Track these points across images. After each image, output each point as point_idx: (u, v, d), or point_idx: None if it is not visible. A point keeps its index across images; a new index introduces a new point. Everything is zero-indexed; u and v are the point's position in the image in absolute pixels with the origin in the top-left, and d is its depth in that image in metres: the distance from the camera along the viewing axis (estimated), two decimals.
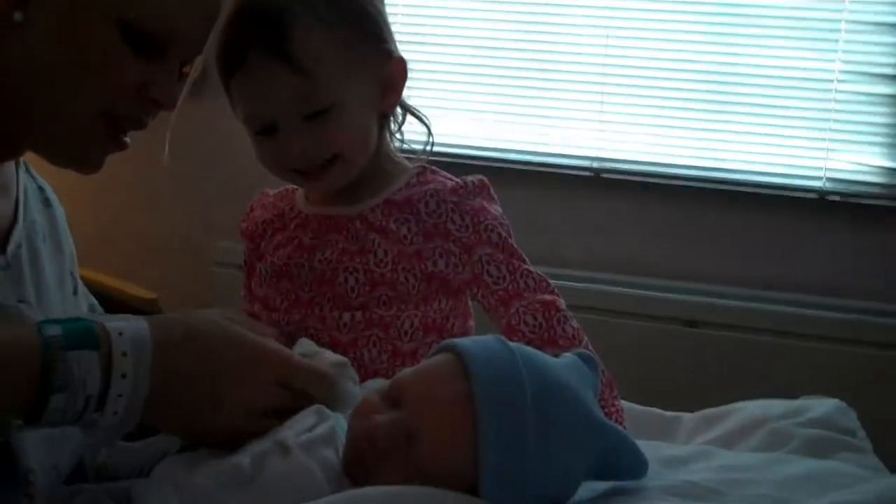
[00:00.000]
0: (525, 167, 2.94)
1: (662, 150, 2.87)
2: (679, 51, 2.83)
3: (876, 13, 2.69)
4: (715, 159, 2.84)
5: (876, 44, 2.70)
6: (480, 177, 1.32)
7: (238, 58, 1.20)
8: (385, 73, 1.28)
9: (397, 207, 1.29)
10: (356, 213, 1.30)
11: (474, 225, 1.28)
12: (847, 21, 2.70)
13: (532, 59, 2.95)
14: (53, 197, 1.27)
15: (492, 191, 1.33)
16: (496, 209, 1.32)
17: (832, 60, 2.72)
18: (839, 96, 2.72)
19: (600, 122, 2.90)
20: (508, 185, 2.91)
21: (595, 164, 2.90)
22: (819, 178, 2.76)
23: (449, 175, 1.33)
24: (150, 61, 1.06)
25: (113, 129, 1.09)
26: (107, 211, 3.02)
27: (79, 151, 1.10)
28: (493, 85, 2.97)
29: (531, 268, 1.29)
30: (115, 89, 1.05)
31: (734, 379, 2.67)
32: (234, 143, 2.61)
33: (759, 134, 2.80)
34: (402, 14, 2.99)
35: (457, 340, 0.91)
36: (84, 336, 0.89)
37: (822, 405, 1.32)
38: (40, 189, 1.25)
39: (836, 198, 2.75)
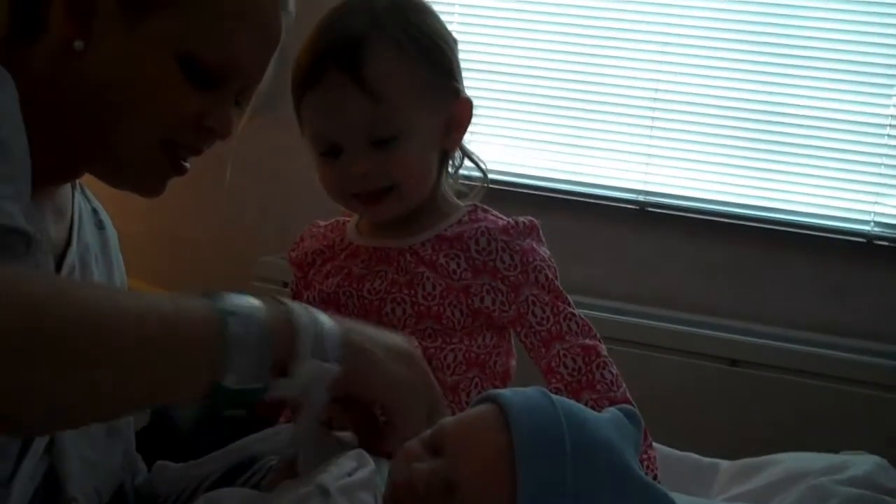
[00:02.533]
0: (571, 197, 2.94)
1: (710, 185, 2.87)
2: (731, 88, 2.83)
3: None
4: (763, 198, 2.83)
5: None
6: (531, 218, 1.34)
7: (314, 77, 1.24)
8: (452, 110, 1.31)
9: (448, 243, 1.30)
10: (407, 245, 1.31)
11: (523, 265, 1.29)
12: None
13: (582, 90, 2.96)
14: (107, 220, 1.29)
15: (541, 233, 1.34)
16: (544, 251, 1.33)
17: (887, 105, 2.71)
18: (891, 141, 2.70)
19: (648, 155, 2.90)
20: (553, 215, 2.94)
21: (641, 198, 2.90)
22: (868, 222, 2.74)
23: (500, 214, 1.34)
24: (207, 91, 1.08)
25: (173, 156, 1.11)
26: (154, 218, 3.05)
27: (139, 177, 1.12)
28: (541, 114, 2.99)
29: (576, 311, 1.30)
30: (172, 119, 1.07)
31: (774, 420, 2.65)
32: (285, 159, 2.67)
33: (809, 175, 2.79)
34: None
35: (500, 391, 0.91)
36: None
37: (863, 462, 1.31)
38: (94, 212, 1.27)
39: (884, 242, 2.73)
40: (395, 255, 1.31)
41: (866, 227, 2.74)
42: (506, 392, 0.90)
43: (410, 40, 1.26)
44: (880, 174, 2.73)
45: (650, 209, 2.90)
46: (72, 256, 1.16)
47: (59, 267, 1.14)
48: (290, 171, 2.77)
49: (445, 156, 1.36)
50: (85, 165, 1.14)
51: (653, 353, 2.73)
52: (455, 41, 1.32)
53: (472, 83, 2.96)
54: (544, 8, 2.99)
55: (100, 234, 1.26)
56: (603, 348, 1.29)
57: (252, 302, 0.89)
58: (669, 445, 1.75)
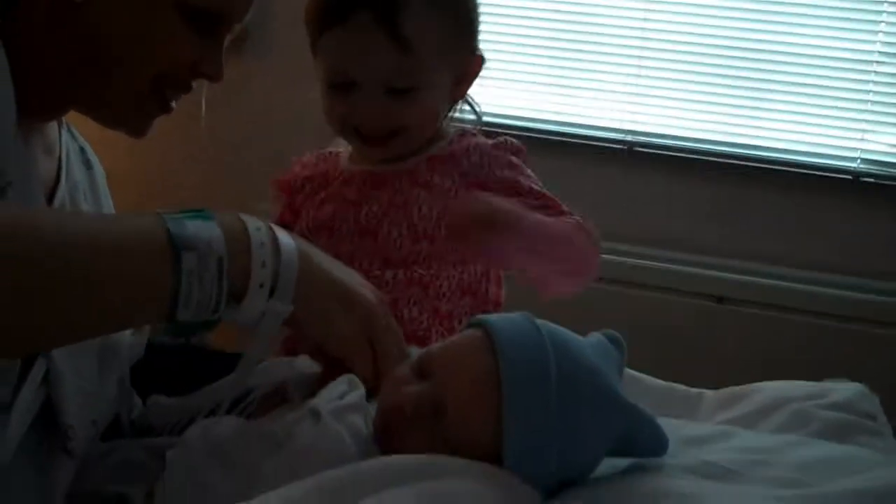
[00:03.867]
0: (557, 138, 2.94)
1: (697, 125, 2.88)
2: (717, 27, 2.83)
3: None
4: (749, 136, 2.84)
5: None
6: (518, 142, 1.37)
7: (342, 14, 1.24)
8: (467, 66, 1.33)
9: (440, 162, 1.33)
10: (402, 169, 1.33)
11: (513, 178, 1.32)
12: (888, 2, 2.69)
13: (567, 30, 2.95)
14: (94, 158, 1.30)
15: (525, 157, 1.37)
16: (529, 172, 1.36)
17: (872, 42, 2.71)
18: (878, 78, 2.71)
19: (635, 94, 2.90)
20: (539, 155, 2.90)
21: (628, 138, 2.91)
22: (854, 159, 2.75)
23: (487, 139, 1.37)
24: (202, 37, 1.10)
25: (161, 95, 1.12)
26: (144, 167, 3.05)
27: (129, 116, 1.14)
28: (526, 54, 2.98)
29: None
30: (170, 63, 1.09)
31: (760, 356, 2.70)
32: (275, 104, 2.66)
33: (796, 112, 2.80)
34: None
35: (486, 316, 0.93)
36: (200, 215, 0.93)
37: (844, 389, 1.33)
38: (81, 150, 1.28)
39: (871, 179, 2.75)
40: (391, 178, 1.33)
41: (853, 164, 2.75)
42: (492, 317, 0.92)
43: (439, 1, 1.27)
44: (866, 111, 2.74)
45: (637, 149, 2.90)
46: (61, 192, 1.17)
47: (49, 202, 1.15)
48: (281, 117, 2.78)
49: (452, 103, 1.38)
50: (74, 103, 1.15)
51: (640, 292, 2.77)
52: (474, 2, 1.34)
53: None
54: None
55: (88, 172, 1.28)
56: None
57: (212, 231, 0.91)
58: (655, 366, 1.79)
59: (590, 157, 2.93)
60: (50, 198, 1.16)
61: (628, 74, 2.90)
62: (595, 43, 2.93)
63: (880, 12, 2.70)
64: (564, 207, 1.31)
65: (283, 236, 0.98)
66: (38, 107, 1.09)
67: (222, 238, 0.91)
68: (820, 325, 2.69)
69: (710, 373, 2.70)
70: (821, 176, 2.78)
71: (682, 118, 2.89)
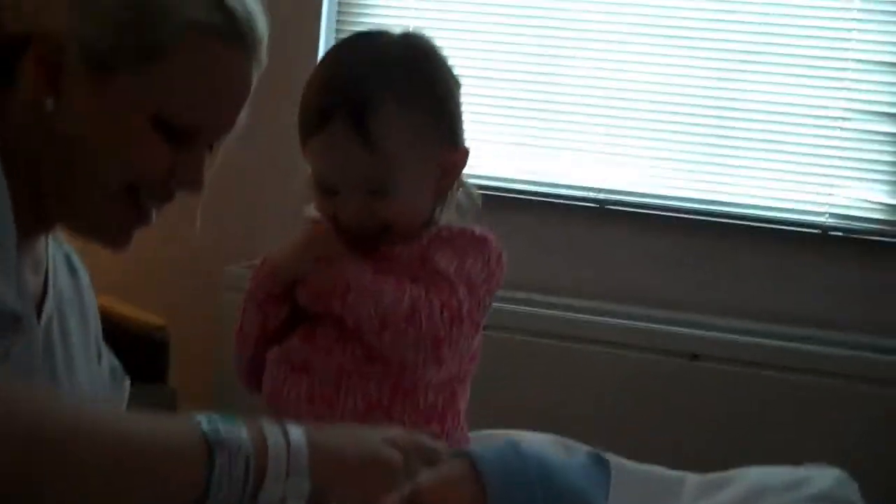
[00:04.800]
0: (529, 196, 2.96)
1: (667, 181, 2.91)
2: (686, 85, 2.87)
3: (882, 53, 2.73)
4: (720, 192, 2.87)
5: (882, 83, 2.73)
6: (491, 238, 1.33)
7: (319, 123, 1.26)
8: (448, 159, 1.33)
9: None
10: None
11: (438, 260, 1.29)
12: (854, 60, 2.74)
13: (537, 90, 2.99)
14: (78, 263, 1.30)
15: (490, 249, 1.33)
16: (479, 268, 1.31)
17: (838, 98, 2.75)
18: (844, 133, 2.76)
19: (606, 153, 2.93)
20: (512, 214, 2.97)
21: (600, 196, 2.93)
22: (822, 214, 2.79)
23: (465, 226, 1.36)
24: (179, 146, 1.10)
25: (139, 205, 1.13)
26: None
27: (105, 226, 1.14)
28: (497, 115, 3.01)
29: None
30: (143, 172, 1.10)
31: (734, 412, 2.71)
32: (245, 168, 2.66)
33: (765, 168, 2.84)
34: None
35: (470, 448, 0.94)
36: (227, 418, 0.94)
37: (823, 476, 1.35)
38: (67, 256, 1.28)
39: (839, 233, 2.78)
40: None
41: (821, 219, 2.78)
42: (477, 449, 0.93)
43: (417, 97, 1.29)
44: (834, 165, 2.78)
45: (609, 206, 2.93)
46: (49, 306, 1.18)
47: (37, 317, 1.15)
48: (253, 179, 2.78)
49: (440, 195, 1.37)
50: (58, 218, 1.16)
51: (613, 350, 2.77)
52: (459, 85, 1.35)
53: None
54: (500, 8, 3.00)
55: (73, 279, 1.28)
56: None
57: (240, 433, 0.93)
58: (633, 442, 1.77)
59: (562, 214, 2.96)
60: (38, 311, 1.16)
61: (599, 133, 2.93)
62: (566, 103, 2.96)
63: (846, 69, 2.75)
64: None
65: (293, 430, 0.99)
66: (25, 222, 1.09)
67: (247, 437, 0.93)
68: (792, 379, 2.70)
69: (685, 430, 2.73)
70: (790, 231, 2.81)
71: (653, 175, 2.92)
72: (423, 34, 1.36)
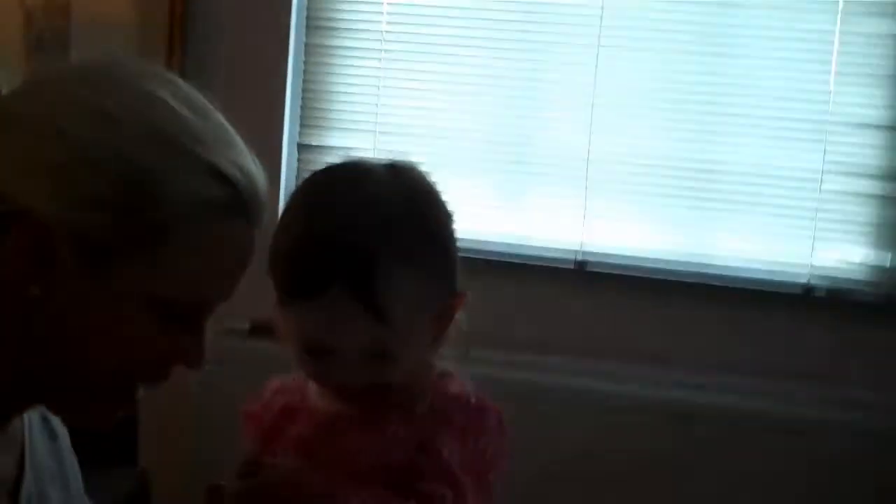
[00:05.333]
0: (508, 259, 2.91)
1: (647, 243, 2.87)
2: (664, 145, 2.83)
3: (860, 114, 2.71)
4: (700, 254, 2.84)
5: (860, 144, 2.72)
6: (489, 403, 1.25)
7: (315, 289, 1.15)
8: (449, 307, 1.25)
9: (403, 410, 1.24)
10: (364, 413, 1.25)
11: (438, 445, 1.20)
12: (831, 122, 2.72)
13: (513, 152, 2.94)
14: (56, 423, 1.22)
15: (490, 420, 1.24)
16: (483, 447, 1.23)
17: (817, 159, 2.73)
18: (824, 195, 2.73)
19: (584, 215, 2.89)
20: (490, 278, 2.89)
21: (579, 258, 2.88)
22: (804, 275, 2.76)
23: (464, 382, 1.27)
24: (180, 326, 1.02)
25: (131, 390, 1.05)
26: None
27: (92, 416, 1.06)
28: (471, 177, 2.94)
29: None
30: (142, 363, 1.02)
31: (724, 471, 2.68)
32: None
33: (745, 229, 2.81)
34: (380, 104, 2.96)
35: None
36: None
37: None
38: (44, 419, 1.20)
39: (822, 293, 2.76)
40: (348, 425, 1.25)
41: (804, 280, 2.76)
42: None
43: (423, 253, 1.19)
44: (815, 227, 2.75)
45: (589, 268, 2.88)
46: (28, 486, 1.10)
47: (14, 498, 1.08)
48: None
49: (436, 340, 1.28)
50: (41, 402, 1.09)
51: (596, 414, 2.73)
52: (452, 218, 1.25)
53: (393, 145, 2.93)
54: (468, 67, 2.93)
55: (52, 444, 1.20)
56: None
57: None
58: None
59: (541, 277, 2.90)
60: (15, 494, 1.09)
61: (576, 194, 2.88)
62: (541, 164, 2.92)
63: (824, 130, 2.73)
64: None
65: None
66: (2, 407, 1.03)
67: None
68: (779, 439, 2.68)
69: (677, 491, 2.69)
70: (772, 292, 2.78)
71: (631, 236, 2.88)
72: (411, 165, 1.26)
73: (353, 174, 1.24)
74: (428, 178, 1.26)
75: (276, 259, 1.20)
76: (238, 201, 1.00)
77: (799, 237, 2.77)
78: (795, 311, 2.78)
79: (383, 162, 1.25)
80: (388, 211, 1.18)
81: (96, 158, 0.95)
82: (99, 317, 0.98)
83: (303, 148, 3.03)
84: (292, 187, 2.87)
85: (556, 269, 2.89)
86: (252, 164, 1.03)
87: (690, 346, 2.81)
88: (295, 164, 3.02)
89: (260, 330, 2.75)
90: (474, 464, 1.20)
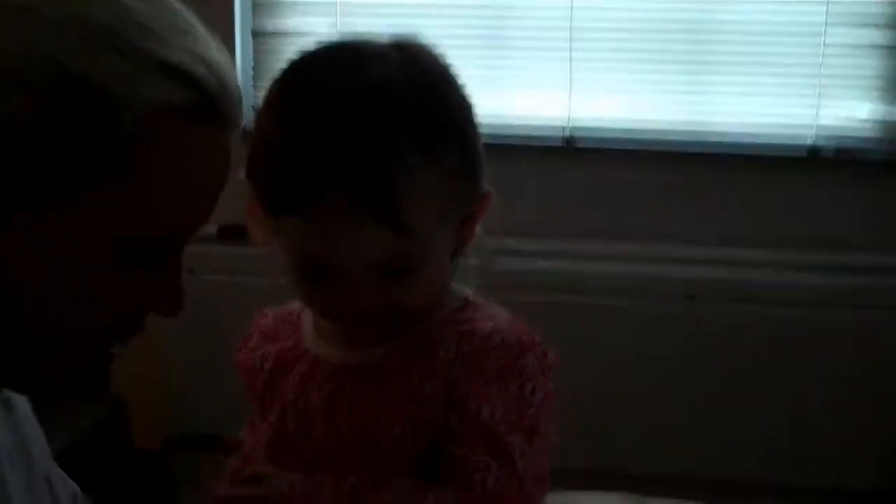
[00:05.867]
0: (493, 141, 2.69)
1: (640, 112, 2.67)
2: (653, 5, 2.62)
3: None
4: (697, 120, 2.65)
5: None
6: (532, 337, 1.05)
7: (317, 198, 0.94)
8: (471, 211, 1.05)
9: (420, 355, 1.03)
10: (375, 360, 1.06)
11: (475, 406, 1.00)
12: None
13: (491, 24, 2.71)
14: (9, 392, 1.03)
15: (530, 359, 1.03)
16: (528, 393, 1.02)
17: (819, 11, 2.52)
18: (828, 49, 2.54)
19: (570, 88, 2.67)
20: None
21: (567, 133, 2.68)
22: (809, 135, 2.59)
23: (494, 312, 1.08)
24: (152, 266, 0.83)
25: (104, 347, 0.87)
26: None
27: (60, 386, 0.88)
28: (446, 57, 2.70)
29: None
30: (112, 317, 0.83)
31: (731, 351, 2.55)
32: None
33: (744, 89, 2.62)
34: None
35: None
36: None
37: None
38: None
39: (829, 154, 2.59)
40: (357, 376, 1.05)
41: (809, 141, 2.59)
42: None
43: (445, 148, 0.97)
44: (819, 83, 2.56)
45: (578, 144, 2.69)
46: None
47: None
48: None
49: (456, 251, 1.09)
50: None
51: (598, 299, 2.57)
52: (471, 107, 1.04)
53: (358, 26, 2.66)
54: None
55: (8, 418, 1.01)
56: None
57: None
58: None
59: (529, 156, 2.70)
60: None
61: (560, 64, 2.65)
62: (523, 38, 2.69)
63: None
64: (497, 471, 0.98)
65: None
66: None
67: None
68: (784, 313, 2.54)
69: (682, 378, 2.56)
70: (775, 156, 2.61)
71: (622, 106, 2.69)
72: (420, 43, 1.04)
73: (352, 55, 1.01)
74: (442, 59, 1.05)
75: (260, 165, 0.99)
76: (205, 102, 0.79)
77: (802, 96, 2.58)
78: (801, 175, 2.61)
79: (386, 40, 1.03)
80: (400, 99, 0.96)
81: (13, 68, 0.74)
82: (52, 270, 0.78)
83: (257, 35, 2.77)
84: (250, 81, 2.71)
85: (544, 147, 2.69)
86: (217, 54, 0.82)
87: (691, 220, 2.64)
88: (250, 54, 2.76)
89: (230, 233, 2.56)
90: (521, 416, 1.00)
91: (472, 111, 1.04)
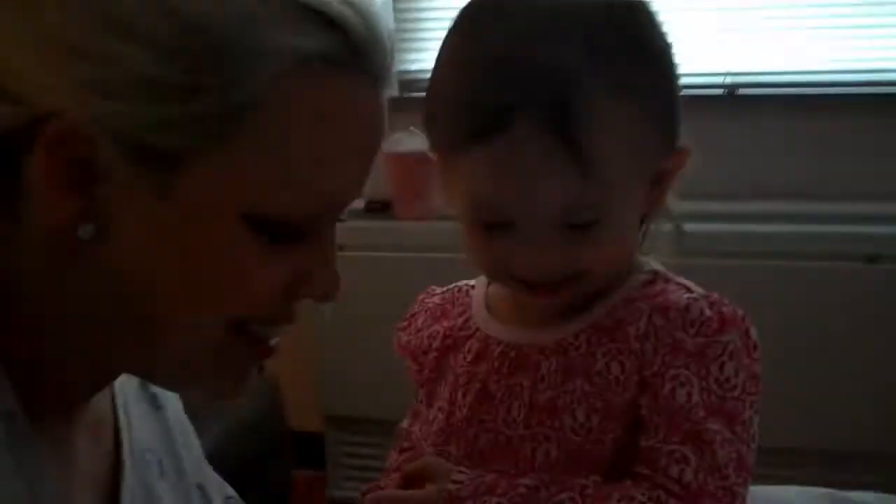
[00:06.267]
0: None
1: (809, 55, 2.44)
2: None
3: None
4: (874, 59, 2.40)
5: None
6: (728, 310, 0.91)
7: (494, 126, 0.84)
8: (665, 166, 0.93)
9: (606, 334, 0.92)
10: (553, 341, 0.94)
11: (671, 388, 0.88)
12: None
13: None
14: (158, 389, 0.93)
15: (745, 335, 0.90)
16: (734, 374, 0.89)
17: None
18: None
19: (727, 30, 2.47)
20: None
21: (727, 80, 2.49)
22: None
23: (690, 284, 0.96)
24: (294, 246, 0.72)
25: (251, 336, 0.75)
26: None
27: (211, 380, 0.78)
28: None
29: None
30: (248, 304, 0.72)
31: None
32: None
33: None
34: None
35: None
36: None
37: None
38: (142, 386, 0.91)
39: None
40: (537, 358, 0.94)
41: None
42: None
43: (637, 83, 0.87)
44: None
45: (740, 92, 2.49)
46: (129, 486, 0.83)
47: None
48: None
49: (645, 217, 0.98)
50: (132, 372, 0.81)
51: (767, 262, 2.35)
52: (672, 48, 0.91)
53: None
54: None
55: (157, 418, 0.91)
56: None
57: None
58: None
59: (686, 108, 2.50)
60: (113, 493, 0.81)
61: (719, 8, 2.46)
62: None
63: None
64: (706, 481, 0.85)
65: None
66: (67, 388, 0.74)
67: None
68: None
69: (865, 342, 2.33)
70: None
71: (790, 49, 2.45)
72: None
73: None
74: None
75: (436, 96, 0.90)
76: (351, 48, 0.69)
77: None
78: None
79: None
80: (598, 25, 0.86)
81: (134, 22, 0.64)
82: (178, 249, 0.69)
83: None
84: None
85: (703, 96, 2.50)
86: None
87: (876, 171, 2.40)
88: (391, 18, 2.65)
89: (379, 208, 2.47)
90: (723, 400, 0.87)
91: (672, 52, 0.92)
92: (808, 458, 2.32)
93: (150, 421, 0.90)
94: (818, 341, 2.30)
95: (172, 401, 0.94)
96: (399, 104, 0.90)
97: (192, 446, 0.95)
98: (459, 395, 0.98)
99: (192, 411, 0.98)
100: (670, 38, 0.91)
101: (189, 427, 0.96)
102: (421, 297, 1.09)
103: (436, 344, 1.03)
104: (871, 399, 2.29)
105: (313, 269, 0.74)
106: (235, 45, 0.64)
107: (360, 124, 0.72)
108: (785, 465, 2.11)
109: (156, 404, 0.92)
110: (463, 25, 0.91)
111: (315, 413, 2.68)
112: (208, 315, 0.71)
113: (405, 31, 2.62)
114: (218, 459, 1.03)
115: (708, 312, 0.89)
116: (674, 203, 0.99)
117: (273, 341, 0.77)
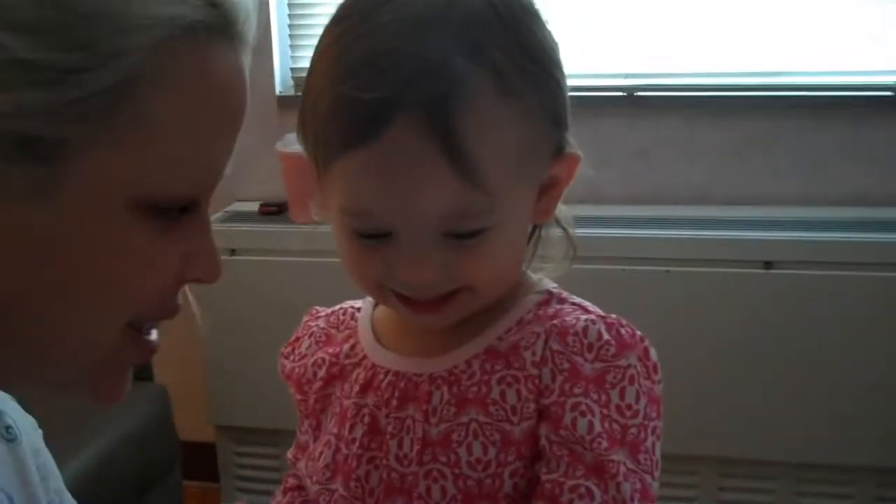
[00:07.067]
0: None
1: (707, 56, 2.45)
2: None
3: None
4: (773, 62, 2.43)
5: None
6: (631, 330, 0.85)
7: (374, 122, 0.77)
8: (553, 172, 0.86)
9: (501, 359, 0.86)
10: (445, 369, 0.88)
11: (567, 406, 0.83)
12: None
13: None
14: (17, 420, 0.85)
15: (644, 358, 0.85)
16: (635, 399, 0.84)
17: None
18: None
19: (628, 31, 2.47)
20: None
21: (627, 82, 2.48)
22: None
23: (586, 304, 0.90)
24: (176, 229, 0.69)
25: (139, 338, 0.72)
26: None
27: (98, 383, 0.73)
28: None
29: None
30: (149, 290, 0.69)
31: (811, 321, 2.30)
32: None
33: (824, 26, 2.39)
34: None
35: None
36: None
37: None
38: None
39: None
40: (427, 388, 0.88)
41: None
42: None
43: (522, 75, 0.79)
44: None
45: (639, 93, 2.48)
46: None
47: None
48: None
49: (534, 229, 0.92)
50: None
51: (665, 267, 2.33)
52: (558, 48, 0.84)
53: None
54: None
55: (9, 448, 0.83)
56: None
57: None
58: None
59: (586, 109, 2.47)
60: None
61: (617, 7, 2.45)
62: None
63: None
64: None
65: None
66: None
67: None
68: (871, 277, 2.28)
69: (762, 345, 2.33)
70: (862, 97, 2.38)
71: (689, 50, 2.46)
72: None
73: None
74: None
75: (308, 95, 0.83)
76: (222, 16, 0.67)
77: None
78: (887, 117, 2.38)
79: None
80: (478, 20, 0.79)
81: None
82: (62, 245, 0.64)
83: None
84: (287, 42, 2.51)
85: (605, 97, 2.49)
86: None
87: (769, 175, 2.42)
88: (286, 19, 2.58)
89: (272, 211, 2.40)
90: (625, 429, 0.82)
91: (559, 53, 0.85)
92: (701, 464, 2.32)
93: (1, 455, 0.81)
94: (715, 347, 2.30)
95: (29, 431, 0.86)
96: (293, 102, 0.84)
97: (50, 479, 0.87)
98: (347, 429, 0.91)
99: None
100: (557, 39, 0.85)
101: (48, 459, 0.88)
102: (305, 319, 1.02)
103: (321, 373, 0.96)
104: (766, 405, 2.30)
105: (198, 250, 0.71)
106: (107, 19, 0.60)
107: (236, 92, 0.69)
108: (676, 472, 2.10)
109: (8, 437, 0.83)
110: (341, 19, 0.83)
111: (206, 423, 2.60)
112: (106, 316, 0.68)
113: (299, 27, 2.55)
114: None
115: (606, 336, 0.84)
116: (566, 208, 0.93)
117: (154, 336, 0.73)
